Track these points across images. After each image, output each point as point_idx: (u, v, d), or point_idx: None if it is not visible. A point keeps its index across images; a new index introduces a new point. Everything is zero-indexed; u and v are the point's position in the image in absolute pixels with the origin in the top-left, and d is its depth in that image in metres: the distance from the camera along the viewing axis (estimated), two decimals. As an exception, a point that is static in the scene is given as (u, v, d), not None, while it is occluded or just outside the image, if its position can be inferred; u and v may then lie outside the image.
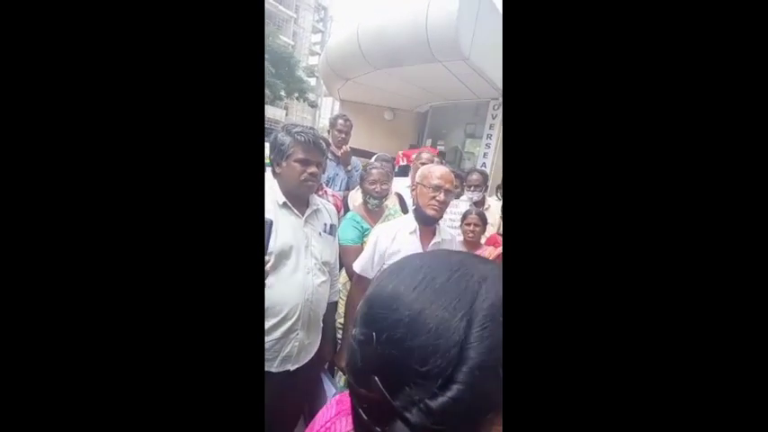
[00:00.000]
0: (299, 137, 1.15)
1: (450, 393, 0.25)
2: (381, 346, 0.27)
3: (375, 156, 2.43)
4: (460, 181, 2.37)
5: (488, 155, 5.35)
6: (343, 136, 2.43)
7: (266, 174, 1.22)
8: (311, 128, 1.22)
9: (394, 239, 1.36)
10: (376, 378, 0.27)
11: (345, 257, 1.54)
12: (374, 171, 1.79)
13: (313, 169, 1.17)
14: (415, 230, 1.39)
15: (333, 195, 2.01)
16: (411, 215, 1.44)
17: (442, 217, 1.40)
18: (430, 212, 1.35)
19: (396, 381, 0.26)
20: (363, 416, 0.28)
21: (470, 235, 1.90)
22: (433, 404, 0.25)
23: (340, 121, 2.46)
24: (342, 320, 1.53)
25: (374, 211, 1.80)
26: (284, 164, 1.17)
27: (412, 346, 0.26)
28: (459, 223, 1.96)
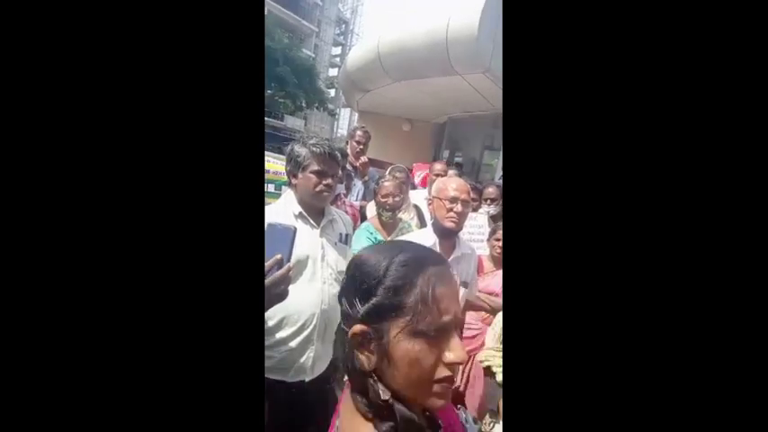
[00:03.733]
0: (314, 149, 1.17)
1: (373, 301, 0.44)
2: (347, 281, 0.49)
3: (390, 168, 2.43)
4: (478, 194, 2.34)
5: (507, 167, 5.28)
6: (362, 147, 2.44)
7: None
8: (327, 139, 1.23)
9: None
10: (343, 298, 0.48)
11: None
12: (386, 184, 1.79)
13: (328, 180, 1.18)
14: (434, 244, 1.37)
15: (350, 206, 2.02)
16: (429, 229, 1.43)
17: (461, 229, 1.38)
18: (448, 225, 1.33)
19: (346, 294, 0.47)
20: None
21: (498, 251, 1.82)
22: (363, 307, 0.45)
23: (359, 133, 2.48)
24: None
25: (388, 224, 1.80)
26: (300, 175, 1.18)
27: (355, 276, 0.47)
28: (487, 237, 1.91)
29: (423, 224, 1.98)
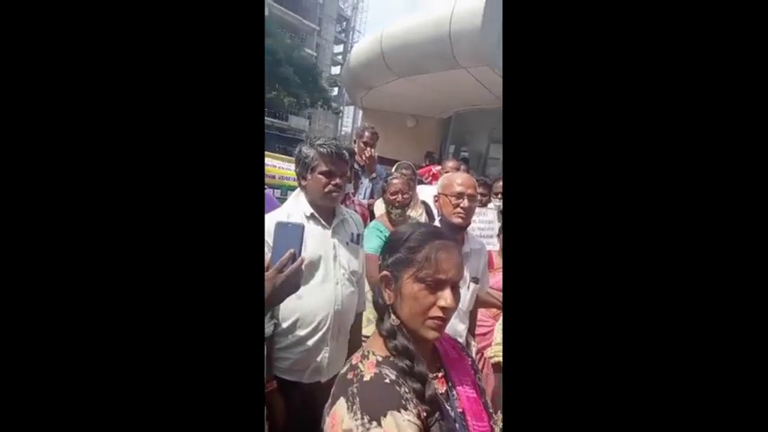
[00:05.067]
0: (321, 149, 1.17)
1: (397, 255, 0.64)
2: (385, 243, 0.71)
3: (396, 164, 2.42)
4: (487, 188, 2.33)
5: (514, 160, 5.22)
6: (370, 148, 2.43)
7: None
8: (334, 138, 1.23)
9: None
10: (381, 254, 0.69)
11: (368, 265, 1.53)
12: (395, 181, 1.80)
13: (337, 180, 1.18)
14: (443, 240, 1.36)
15: (359, 205, 2.02)
16: (438, 225, 1.42)
17: (469, 224, 1.37)
18: (456, 221, 1.32)
19: (383, 252, 0.68)
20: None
21: None
22: (390, 259, 0.65)
23: (367, 134, 2.45)
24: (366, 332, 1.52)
25: (397, 221, 1.79)
26: (309, 176, 1.19)
27: (390, 239, 0.69)
28: (497, 233, 1.90)
29: (431, 220, 1.98)
